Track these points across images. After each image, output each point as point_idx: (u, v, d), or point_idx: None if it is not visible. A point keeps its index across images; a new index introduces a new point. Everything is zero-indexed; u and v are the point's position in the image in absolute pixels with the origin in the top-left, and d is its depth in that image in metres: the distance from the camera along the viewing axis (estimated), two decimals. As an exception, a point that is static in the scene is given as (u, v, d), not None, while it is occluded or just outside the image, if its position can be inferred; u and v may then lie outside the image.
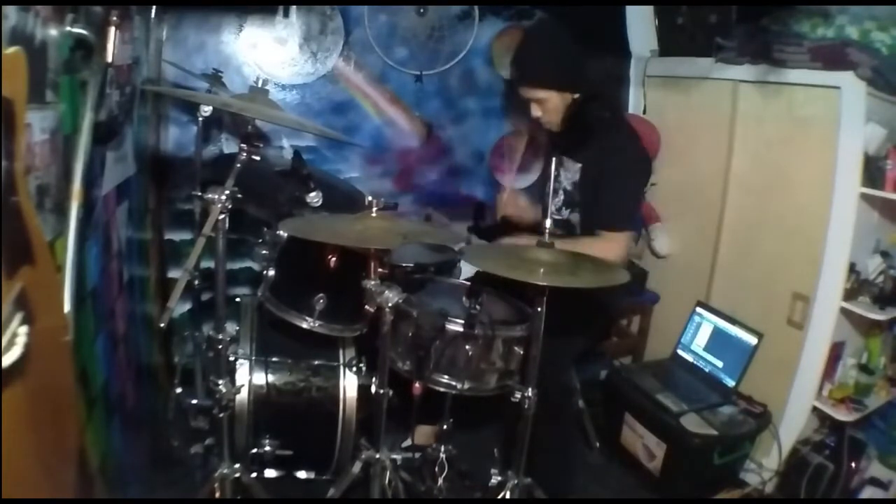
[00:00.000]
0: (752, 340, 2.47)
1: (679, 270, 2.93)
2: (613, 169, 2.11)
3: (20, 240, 0.95)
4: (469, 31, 2.98)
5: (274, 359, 2.01)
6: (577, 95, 2.11)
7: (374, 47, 2.88)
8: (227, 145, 2.78)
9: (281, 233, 1.85)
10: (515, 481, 1.78)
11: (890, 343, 2.39)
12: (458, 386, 1.86)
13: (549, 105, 2.11)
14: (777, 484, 2.35)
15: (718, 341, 2.60)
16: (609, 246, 2.06)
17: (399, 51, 2.93)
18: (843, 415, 2.23)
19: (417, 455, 2.19)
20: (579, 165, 2.20)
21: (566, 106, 2.13)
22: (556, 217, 2.29)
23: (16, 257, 0.92)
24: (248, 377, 1.94)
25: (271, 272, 1.91)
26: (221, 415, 1.73)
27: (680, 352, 2.75)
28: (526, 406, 1.69)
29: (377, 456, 1.78)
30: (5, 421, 0.85)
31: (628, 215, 2.15)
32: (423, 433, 2.38)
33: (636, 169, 2.17)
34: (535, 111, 2.15)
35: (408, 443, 2.33)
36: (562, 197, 2.28)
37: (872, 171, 2.11)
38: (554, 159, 1.92)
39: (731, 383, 2.48)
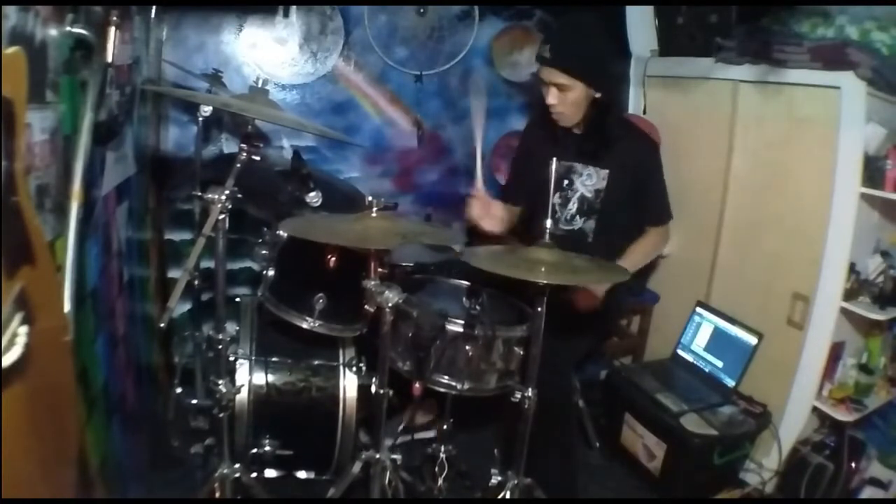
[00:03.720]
0: (752, 340, 2.47)
1: (679, 270, 2.93)
2: (648, 168, 2.23)
3: (20, 240, 0.95)
4: (469, 31, 2.98)
5: (274, 359, 2.01)
6: (598, 95, 2.09)
7: (374, 47, 2.88)
8: (227, 145, 2.77)
9: (281, 233, 1.86)
10: (515, 481, 1.78)
11: (890, 343, 2.39)
12: (458, 386, 1.86)
13: (571, 95, 2.06)
14: (777, 484, 2.35)
15: (718, 341, 2.60)
16: (663, 238, 2.36)
17: (399, 51, 2.93)
18: (843, 415, 2.23)
19: (415, 436, 2.18)
20: (606, 172, 2.20)
21: (587, 102, 2.09)
22: (567, 227, 2.28)
23: (16, 257, 0.92)
24: (248, 377, 1.94)
25: (271, 272, 1.91)
26: (221, 415, 1.74)
27: (680, 352, 2.75)
28: (526, 406, 1.69)
29: (377, 456, 1.78)
30: (5, 421, 0.85)
31: (669, 205, 2.33)
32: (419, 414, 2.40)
33: (660, 161, 2.29)
34: (552, 98, 2.08)
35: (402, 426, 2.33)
36: (576, 205, 2.26)
37: (872, 171, 2.11)
38: (554, 161, 1.92)
39: (731, 383, 2.48)
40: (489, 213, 2.13)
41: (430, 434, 2.46)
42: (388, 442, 1.82)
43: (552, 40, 2.06)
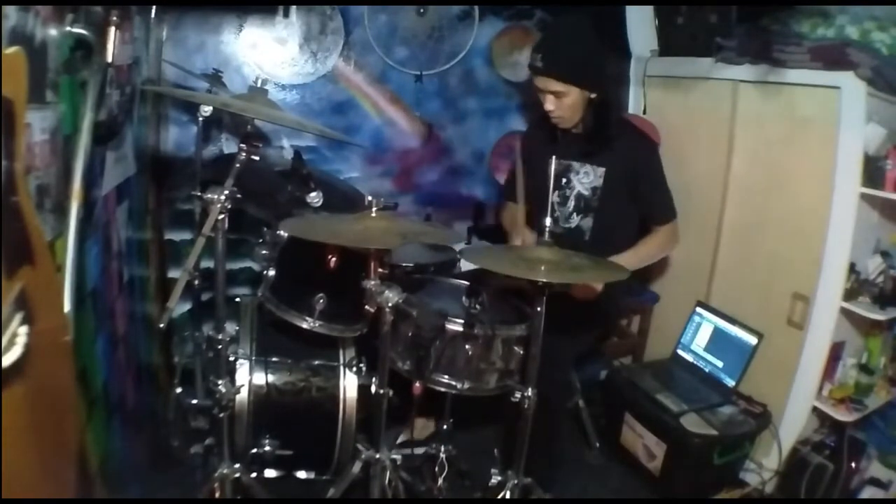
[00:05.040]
0: (752, 340, 2.47)
1: (679, 270, 2.93)
2: (648, 166, 2.21)
3: (20, 240, 0.95)
4: (469, 31, 2.98)
5: (274, 359, 2.01)
6: (594, 95, 2.10)
7: (374, 47, 2.88)
8: (227, 145, 2.77)
9: (281, 233, 1.86)
10: (515, 481, 1.79)
11: (890, 343, 2.39)
12: (458, 386, 1.86)
13: (567, 101, 2.07)
14: (777, 484, 2.35)
15: (718, 341, 2.60)
16: (672, 238, 2.30)
17: (399, 51, 2.93)
18: (843, 415, 2.23)
19: (416, 451, 2.18)
20: (603, 170, 2.20)
21: (584, 104, 2.10)
22: (565, 226, 2.28)
23: (16, 257, 0.92)
24: (248, 377, 1.94)
25: (271, 272, 1.91)
26: (221, 415, 1.74)
27: (680, 352, 2.75)
28: (526, 406, 1.69)
29: (377, 456, 1.78)
30: (5, 421, 0.85)
31: (673, 204, 2.27)
32: (421, 426, 2.38)
33: (659, 160, 2.26)
34: (549, 104, 2.10)
35: (402, 438, 2.32)
36: (573, 203, 2.27)
37: (872, 171, 2.11)
38: (554, 160, 1.92)
39: (731, 383, 2.48)
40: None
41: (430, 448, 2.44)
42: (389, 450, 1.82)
43: (542, 48, 2.06)
